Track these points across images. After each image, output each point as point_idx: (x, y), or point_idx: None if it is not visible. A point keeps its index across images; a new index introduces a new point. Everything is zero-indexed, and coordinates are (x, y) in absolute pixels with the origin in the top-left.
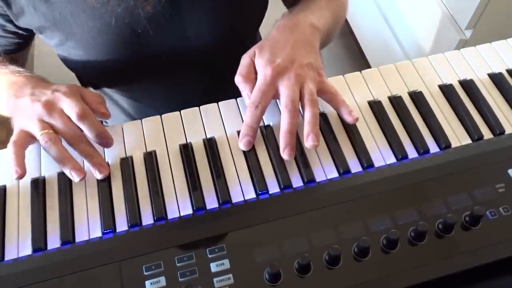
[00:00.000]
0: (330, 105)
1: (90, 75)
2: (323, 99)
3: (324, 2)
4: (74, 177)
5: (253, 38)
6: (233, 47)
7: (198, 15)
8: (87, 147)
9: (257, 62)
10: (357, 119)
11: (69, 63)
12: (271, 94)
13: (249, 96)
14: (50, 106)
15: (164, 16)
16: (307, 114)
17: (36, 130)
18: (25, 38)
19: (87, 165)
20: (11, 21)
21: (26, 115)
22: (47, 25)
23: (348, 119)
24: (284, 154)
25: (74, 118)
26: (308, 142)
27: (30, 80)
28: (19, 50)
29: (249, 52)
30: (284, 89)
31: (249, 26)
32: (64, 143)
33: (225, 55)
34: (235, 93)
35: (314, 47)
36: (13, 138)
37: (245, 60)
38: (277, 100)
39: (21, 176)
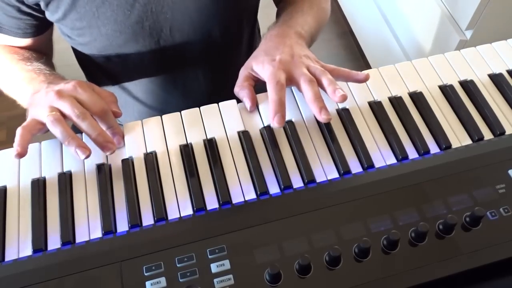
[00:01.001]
0: (340, 80)
1: (94, 55)
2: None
3: (306, 8)
4: (80, 155)
5: (252, 21)
6: (233, 35)
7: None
8: (93, 122)
9: (257, 69)
10: (369, 76)
11: (75, 43)
12: (284, 76)
13: (247, 101)
14: (60, 93)
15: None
16: (325, 81)
17: (44, 114)
18: (41, 20)
19: (88, 166)
20: (22, 2)
21: (40, 105)
22: None
23: (361, 78)
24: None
25: (92, 110)
26: (336, 97)
27: (48, 77)
28: (38, 33)
29: (245, 65)
30: (295, 69)
31: (247, 11)
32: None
33: (226, 36)
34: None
35: (304, 46)
36: (23, 124)
37: (241, 72)
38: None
39: (20, 154)
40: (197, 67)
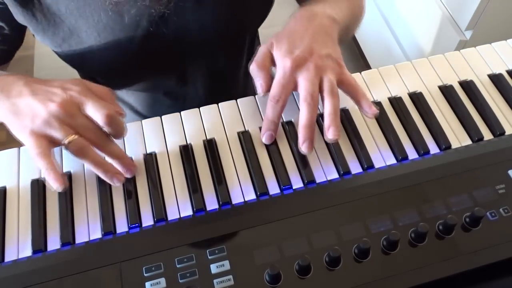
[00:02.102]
0: (349, 97)
1: (92, 71)
2: (343, 91)
3: None
4: (115, 182)
5: (254, 35)
6: (234, 41)
7: (202, 7)
8: (115, 147)
9: (275, 53)
10: (377, 114)
11: (70, 60)
12: (291, 87)
13: (261, 84)
14: (69, 107)
15: (172, 12)
16: (328, 106)
17: (59, 135)
18: (14, 44)
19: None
20: (6, 20)
21: (39, 118)
22: (52, 20)
23: (369, 112)
24: (303, 148)
25: (101, 120)
26: (329, 135)
27: (16, 77)
28: (3, 62)
29: (267, 43)
30: (304, 82)
31: (251, 21)
32: None
33: (226, 51)
34: (238, 93)
35: (333, 38)
36: (35, 149)
37: (261, 50)
38: (294, 93)
39: (65, 188)
40: (196, 79)
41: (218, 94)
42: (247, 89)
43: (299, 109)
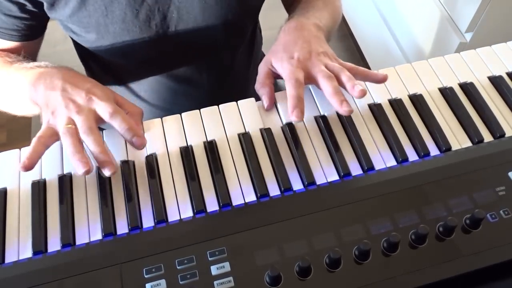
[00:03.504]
0: (358, 79)
1: (99, 53)
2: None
3: (321, 5)
4: (79, 169)
5: (254, 21)
6: (237, 29)
7: (208, 3)
8: (97, 139)
9: (276, 66)
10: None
11: (79, 38)
12: (302, 75)
13: (265, 99)
14: (81, 109)
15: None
16: (344, 77)
17: (61, 125)
18: (40, 21)
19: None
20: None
21: (58, 114)
22: None
23: (379, 78)
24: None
25: (106, 116)
26: (355, 91)
27: (60, 70)
28: (34, 36)
29: (265, 60)
30: (314, 67)
31: (252, 6)
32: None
33: (230, 39)
34: (242, 91)
35: (323, 40)
36: (39, 133)
37: (261, 68)
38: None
39: (25, 167)
40: (201, 65)
41: (221, 80)
42: (250, 78)
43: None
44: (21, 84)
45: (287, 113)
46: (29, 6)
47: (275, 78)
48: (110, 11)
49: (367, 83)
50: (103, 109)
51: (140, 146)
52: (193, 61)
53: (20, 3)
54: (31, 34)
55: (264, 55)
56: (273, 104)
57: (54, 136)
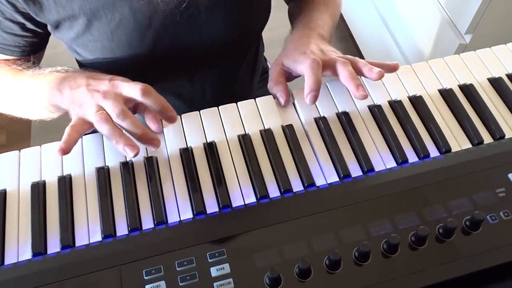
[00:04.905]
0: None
1: (102, 69)
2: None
3: (322, 7)
4: (128, 153)
5: (258, 39)
6: (240, 45)
7: (214, 13)
8: (134, 120)
9: (289, 63)
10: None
11: (84, 60)
12: (319, 59)
13: (281, 95)
14: (107, 93)
15: (183, 14)
16: (359, 63)
17: (91, 113)
18: (42, 38)
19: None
20: (30, 19)
21: (85, 104)
22: (66, 17)
23: (391, 67)
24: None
25: (138, 95)
26: (373, 73)
27: (82, 71)
28: (35, 51)
29: (276, 63)
30: (329, 56)
31: (256, 26)
32: None
33: (233, 54)
34: (243, 94)
35: (328, 46)
36: (71, 123)
37: (273, 69)
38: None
39: (63, 149)
40: (203, 81)
41: (224, 96)
42: (251, 90)
43: (298, 114)
44: (40, 89)
45: (287, 115)
46: (31, 25)
47: (287, 78)
48: (116, 35)
49: (366, 84)
50: (131, 88)
51: (173, 119)
52: (196, 76)
53: (21, 22)
54: (32, 49)
55: (266, 60)
56: (289, 99)
57: (86, 124)
